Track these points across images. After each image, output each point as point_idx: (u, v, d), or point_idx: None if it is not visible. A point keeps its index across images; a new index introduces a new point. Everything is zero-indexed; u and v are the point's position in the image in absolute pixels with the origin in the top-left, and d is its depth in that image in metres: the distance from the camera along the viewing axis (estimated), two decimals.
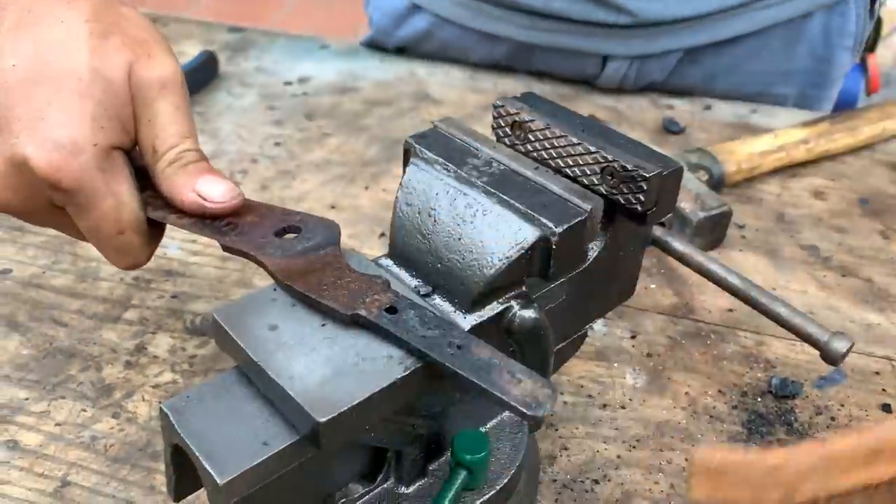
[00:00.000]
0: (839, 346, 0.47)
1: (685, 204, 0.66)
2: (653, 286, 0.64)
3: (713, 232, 0.67)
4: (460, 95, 0.89)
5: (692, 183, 0.68)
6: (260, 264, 0.42)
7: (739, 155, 0.75)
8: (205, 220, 0.45)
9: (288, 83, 0.90)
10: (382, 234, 0.68)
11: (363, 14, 1.01)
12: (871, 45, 1.92)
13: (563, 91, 0.91)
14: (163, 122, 0.44)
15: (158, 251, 0.65)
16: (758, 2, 0.84)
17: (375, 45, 0.98)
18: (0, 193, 0.42)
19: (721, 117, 0.87)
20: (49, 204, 0.43)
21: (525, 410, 0.34)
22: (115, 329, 0.58)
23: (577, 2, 0.82)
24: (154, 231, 0.46)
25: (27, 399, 0.53)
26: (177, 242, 0.66)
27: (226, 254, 0.65)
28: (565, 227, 0.38)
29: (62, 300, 0.61)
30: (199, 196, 0.44)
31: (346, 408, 0.34)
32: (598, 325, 0.60)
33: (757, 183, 0.77)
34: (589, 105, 0.88)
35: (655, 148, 0.46)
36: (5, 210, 0.44)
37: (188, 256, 0.65)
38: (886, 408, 0.55)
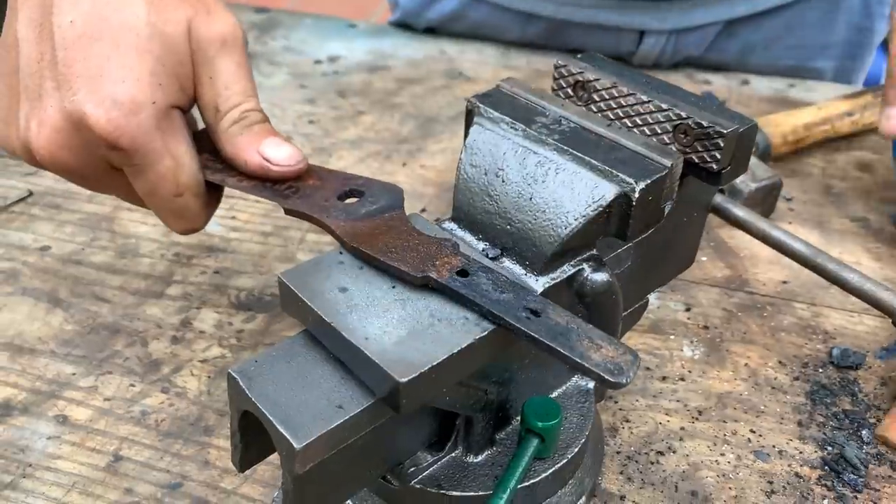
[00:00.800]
0: None
1: None
2: (703, 259, 0.63)
3: (763, 203, 0.65)
4: (493, 73, 0.88)
5: None
6: (325, 227, 0.40)
7: (785, 127, 0.74)
8: (265, 183, 0.43)
9: (318, 62, 0.89)
10: (423, 210, 0.67)
11: (374, 2, 0.99)
12: None
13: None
14: (225, 81, 0.42)
15: None
16: None
17: (404, 26, 0.97)
18: (57, 153, 0.41)
19: (759, 92, 0.85)
20: (106, 165, 0.42)
21: (607, 377, 0.33)
22: (159, 305, 0.57)
23: None
24: (212, 195, 0.45)
25: (74, 374, 0.52)
26: (216, 219, 0.65)
27: (266, 229, 0.64)
28: (647, 182, 0.37)
29: (103, 276, 0.59)
30: (264, 158, 0.42)
31: (426, 368, 0.33)
32: (652, 298, 0.59)
33: (802, 157, 0.75)
34: None
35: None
36: (62, 172, 0.42)
37: (228, 233, 0.64)
38: None
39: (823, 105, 0.77)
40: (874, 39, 0.88)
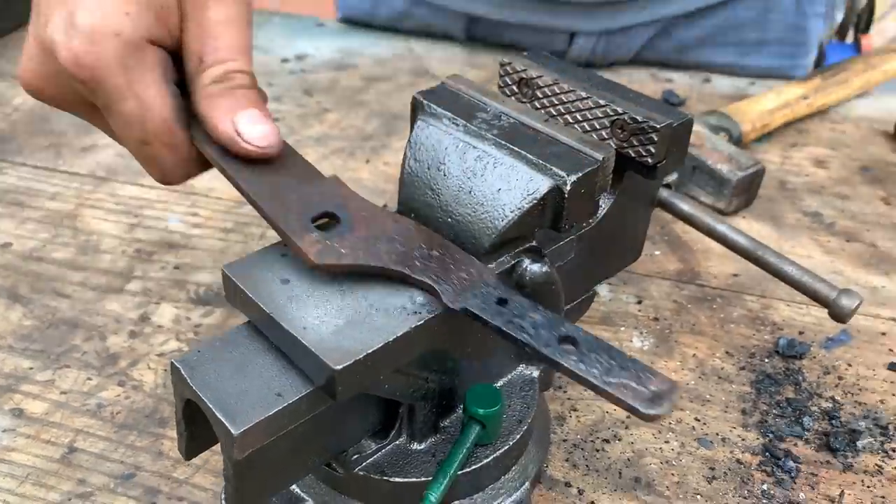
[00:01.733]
0: (848, 302, 0.48)
1: (721, 165, 0.66)
2: (657, 253, 0.64)
3: (748, 190, 0.67)
4: (460, 71, 0.89)
5: (722, 144, 0.68)
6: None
7: (752, 114, 0.76)
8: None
9: (285, 60, 0.90)
10: (385, 206, 0.68)
11: None
12: (865, 26, 1.92)
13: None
14: (215, 30, 0.38)
15: (159, 224, 0.65)
16: None
17: (354, 23, 0.98)
18: (34, 82, 0.40)
19: (720, 89, 0.87)
20: (80, 96, 0.40)
21: (652, 412, 0.30)
22: (119, 300, 0.58)
23: None
24: (197, 154, 0.40)
25: (31, 368, 0.52)
26: (178, 215, 0.66)
27: (227, 226, 0.65)
28: (578, 175, 0.38)
29: (63, 272, 0.60)
30: (235, 129, 0.38)
31: (361, 356, 0.34)
32: (604, 291, 0.60)
33: (759, 153, 0.77)
34: None
35: None
36: (45, 101, 0.41)
37: (189, 229, 0.65)
38: (893, 366, 0.55)
39: (781, 90, 0.79)
40: (809, 38, 0.90)
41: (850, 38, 1.97)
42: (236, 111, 0.38)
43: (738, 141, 0.73)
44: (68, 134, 0.76)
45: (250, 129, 0.38)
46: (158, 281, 0.59)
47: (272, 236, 0.64)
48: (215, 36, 0.38)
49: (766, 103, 0.77)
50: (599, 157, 0.39)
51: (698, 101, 0.84)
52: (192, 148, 0.40)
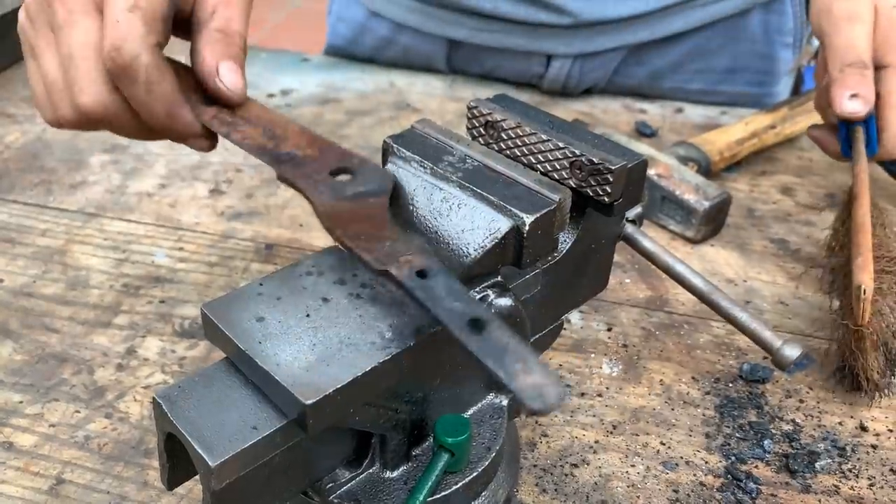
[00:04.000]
0: (790, 353, 0.50)
1: (688, 195, 0.69)
2: (627, 280, 0.66)
3: (716, 219, 0.70)
4: (439, 104, 0.92)
5: (689, 175, 0.71)
6: (309, 200, 0.42)
7: (720, 144, 0.78)
8: (266, 146, 0.44)
9: (271, 95, 0.92)
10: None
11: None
12: None
13: (539, 99, 0.93)
14: None
15: (146, 259, 0.67)
16: (695, 0, 0.87)
17: (341, 54, 1.01)
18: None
19: (692, 119, 0.90)
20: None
21: (529, 403, 0.33)
22: (106, 334, 0.60)
23: (521, 4, 0.86)
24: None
25: (21, 402, 0.54)
26: (164, 250, 0.68)
27: (212, 259, 0.67)
28: (536, 216, 0.41)
29: (53, 308, 0.62)
30: (216, 69, 0.45)
31: (330, 391, 0.36)
32: (575, 318, 0.62)
33: (728, 181, 0.80)
34: (565, 111, 0.91)
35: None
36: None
37: (175, 263, 0.67)
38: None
39: (750, 120, 0.82)
40: (778, 67, 0.94)
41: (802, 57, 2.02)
42: (224, 57, 0.45)
43: (707, 171, 0.76)
44: (59, 171, 0.78)
45: (228, 74, 0.45)
46: (145, 315, 0.62)
47: (255, 269, 0.66)
48: (227, 3, 0.46)
49: (734, 133, 0.80)
50: (556, 198, 0.42)
51: (670, 131, 0.87)
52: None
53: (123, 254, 0.68)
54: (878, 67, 0.66)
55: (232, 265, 0.67)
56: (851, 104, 0.63)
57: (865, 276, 0.54)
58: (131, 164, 0.79)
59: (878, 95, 0.65)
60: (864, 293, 0.53)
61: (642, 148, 0.75)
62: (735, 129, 0.81)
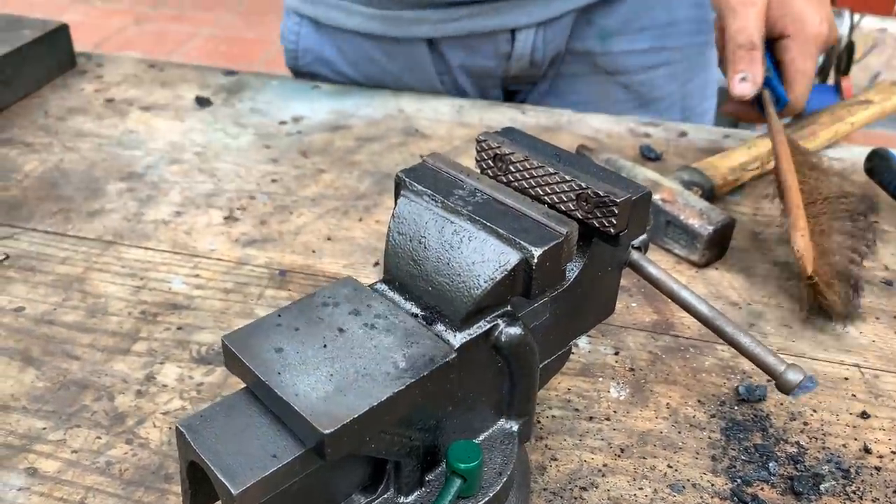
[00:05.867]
0: (793, 377, 0.51)
1: (692, 220, 0.70)
2: (634, 305, 0.68)
3: (720, 243, 0.71)
4: (448, 130, 0.93)
5: (693, 199, 0.72)
6: None
7: (723, 169, 0.80)
8: None
9: (283, 122, 0.94)
10: (376, 263, 0.72)
11: None
12: (844, 69, 1.98)
13: (546, 123, 0.95)
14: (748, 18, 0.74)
15: (163, 286, 0.69)
16: None
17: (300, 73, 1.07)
18: None
19: (695, 143, 0.91)
20: None
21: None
22: (126, 361, 0.61)
23: None
24: None
25: (44, 429, 0.56)
26: (180, 277, 0.70)
27: (228, 286, 0.69)
28: (544, 249, 0.42)
29: (74, 335, 0.64)
30: (733, 78, 0.74)
31: (347, 420, 0.37)
32: (583, 343, 0.64)
33: (731, 205, 0.81)
34: (571, 136, 0.92)
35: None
36: None
37: (192, 290, 0.68)
38: (863, 415, 0.58)
39: (752, 144, 0.83)
40: (711, 13, 0.98)
41: (831, 80, 2.04)
42: (740, 69, 0.74)
43: (710, 195, 0.77)
44: (76, 199, 0.80)
45: (737, 81, 0.75)
46: (163, 342, 0.63)
47: (270, 296, 0.68)
48: (746, 20, 0.74)
49: (737, 158, 0.81)
50: (564, 231, 0.43)
51: (675, 155, 0.89)
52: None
53: (141, 281, 0.69)
54: (780, 38, 0.79)
55: (247, 291, 0.68)
56: (741, 87, 0.76)
57: (797, 234, 0.64)
58: (147, 192, 0.81)
59: (782, 62, 0.80)
60: (798, 252, 0.63)
61: (647, 173, 0.76)
62: (738, 154, 0.82)
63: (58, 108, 0.96)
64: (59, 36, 1.01)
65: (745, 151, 0.82)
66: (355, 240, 0.75)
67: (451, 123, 0.95)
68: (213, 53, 3.19)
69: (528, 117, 0.96)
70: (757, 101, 0.79)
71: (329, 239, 0.75)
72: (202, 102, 0.98)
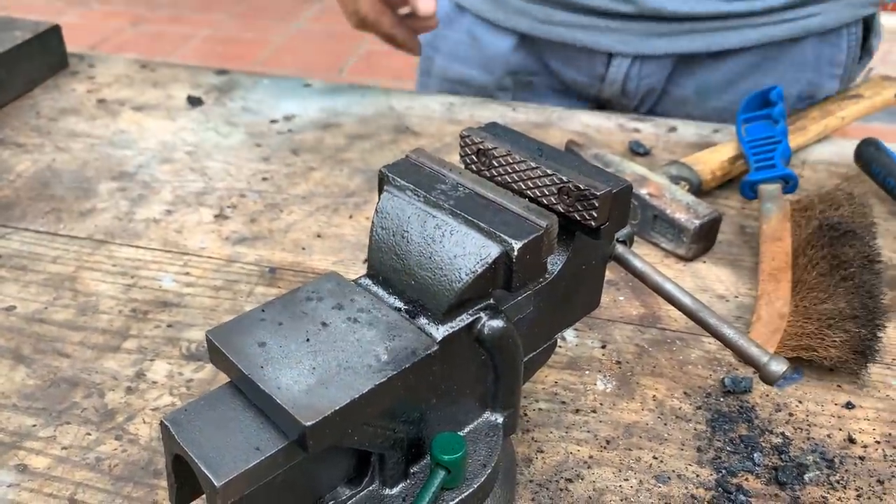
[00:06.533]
0: (776, 368, 0.51)
1: (679, 214, 0.70)
2: (621, 298, 0.68)
3: (707, 237, 0.71)
4: (438, 127, 0.94)
5: (680, 194, 0.73)
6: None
7: (712, 164, 0.80)
8: None
9: (273, 121, 0.95)
10: (366, 260, 0.72)
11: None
12: None
13: (536, 119, 0.95)
14: None
15: (153, 284, 0.69)
16: (753, 16, 0.89)
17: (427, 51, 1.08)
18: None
19: (685, 138, 0.92)
20: None
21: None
22: (116, 358, 0.62)
23: None
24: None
25: (34, 426, 0.56)
26: (171, 275, 0.70)
27: (217, 284, 0.69)
28: (524, 241, 0.42)
29: (64, 333, 0.64)
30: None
31: (329, 413, 0.38)
32: (570, 336, 0.64)
33: (720, 198, 0.81)
34: (561, 132, 0.93)
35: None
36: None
37: (182, 288, 0.69)
38: (848, 406, 0.58)
39: None
40: (819, 95, 0.96)
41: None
42: None
43: (698, 189, 0.77)
44: (68, 199, 0.80)
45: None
46: (153, 339, 0.64)
47: (259, 293, 0.68)
48: None
49: (725, 153, 0.82)
50: (544, 224, 0.43)
51: (664, 150, 0.89)
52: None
53: (132, 279, 0.70)
54: None
55: (237, 289, 0.69)
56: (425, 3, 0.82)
57: (760, 303, 0.64)
58: (138, 192, 0.82)
59: None
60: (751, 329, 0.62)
61: (635, 167, 0.77)
62: (727, 149, 0.82)
63: (50, 109, 0.96)
64: (50, 37, 1.02)
65: (734, 146, 0.83)
66: (345, 237, 0.76)
67: (441, 120, 0.95)
68: (209, 55, 3.19)
69: (518, 114, 0.96)
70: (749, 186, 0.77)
71: (319, 236, 0.76)
72: (194, 102, 0.98)
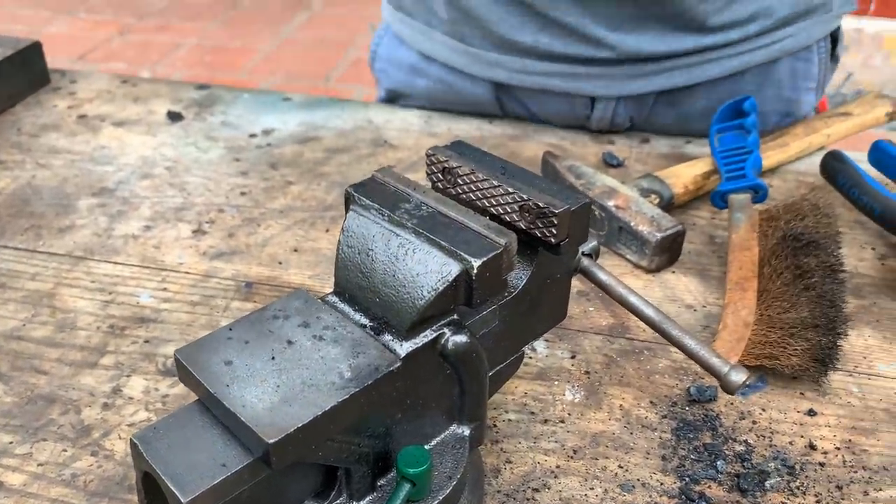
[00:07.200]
0: (736, 378, 0.53)
1: (642, 227, 0.72)
2: (591, 309, 0.69)
3: (670, 250, 0.73)
4: (416, 140, 0.95)
5: (646, 207, 0.74)
6: None
7: (685, 178, 0.82)
8: None
9: (253, 135, 0.96)
10: None
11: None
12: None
13: (512, 132, 0.97)
14: None
15: (131, 300, 0.70)
16: (730, 46, 0.90)
17: (394, 99, 1.07)
18: None
19: (657, 149, 0.93)
20: None
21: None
22: (93, 374, 0.63)
23: (561, 38, 0.89)
24: None
25: (11, 443, 0.57)
26: (148, 291, 0.71)
27: (194, 299, 0.70)
28: (483, 260, 0.44)
29: (42, 350, 0.65)
30: None
31: (292, 430, 0.39)
32: (541, 347, 0.65)
33: (691, 209, 0.83)
34: (537, 144, 0.94)
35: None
36: None
37: (159, 304, 0.70)
38: (810, 413, 0.60)
39: None
40: (800, 109, 0.98)
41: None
42: None
43: (668, 202, 0.79)
44: (47, 215, 0.81)
45: None
46: (130, 355, 0.64)
47: (236, 307, 0.69)
48: None
49: (700, 167, 0.83)
50: (503, 242, 0.45)
51: (636, 161, 0.90)
52: None
53: (110, 295, 0.71)
54: None
55: (213, 304, 0.70)
56: None
57: (726, 311, 0.65)
58: (118, 208, 0.82)
59: None
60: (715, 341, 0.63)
61: (606, 180, 0.78)
62: (702, 163, 0.83)
63: (31, 125, 0.97)
64: (31, 53, 1.02)
65: (709, 161, 0.84)
66: (321, 251, 0.77)
67: (419, 133, 0.96)
68: (197, 64, 3.20)
69: (494, 126, 0.98)
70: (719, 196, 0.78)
71: (295, 250, 0.77)
72: (174, 117, 0.99)
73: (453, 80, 0.99)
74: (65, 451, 0.56)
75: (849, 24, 2.51)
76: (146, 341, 0.66)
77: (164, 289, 0.71)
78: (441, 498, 0.47)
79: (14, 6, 3.68)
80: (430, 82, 1.02)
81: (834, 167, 0.80)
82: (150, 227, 0.80)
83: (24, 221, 0.80)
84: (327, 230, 0.80)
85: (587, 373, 0.63)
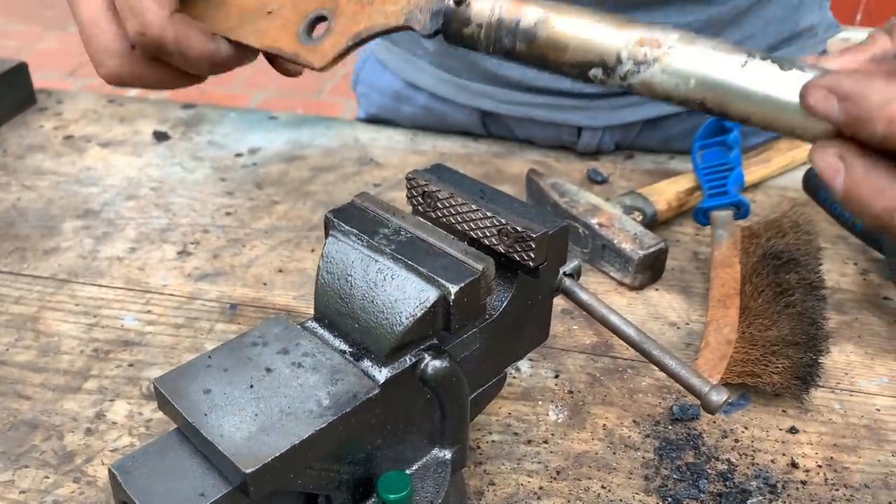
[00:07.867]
0: (716, 398, 0.53)
1: (625, 245, 0.72)
2: (575, 327, 0.70)
3: (653, 267, 0.73)
4: (401, 158, 0.95)
5: (629, 224, 0.74)
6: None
7: (669, 195, 0.82)
8: None
9: (239, 154, 0.96)
10: None
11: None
12: None
13: (497, 150, 0.97)
14: None
15: (115, 323, 0.70)
16: None
17: (378, 121, 1.06)
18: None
19: (641, 165, 0.94)
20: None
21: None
22: (76, 399, 0.63)
23: (547, 72, 0.88)
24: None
25: None
26: (133, 314, 0.71)
27: (178, 321, 0.70)
28: (460, 285, 0.44)
29: (25, 375, 0.65)
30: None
31: (269, 459, 0.39)
32: (525, 367, 0.65)
33: (675, 226, 0.83)
34: (521, 161, 0.94)
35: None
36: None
37: (144, 326, 0.70)
38: (792, 430, 0.60)
39: None
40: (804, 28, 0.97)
41: None
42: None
43: (651, 220, 0.79)
44: (32, 238, 0.81)
45: None
46: (113, 379, 0.64)
47: (220, 330, 0.69)
48: None
49: (683, 184, 0.84)
50: (480, 267, 0.45)
51: (620, 178, 0.91)
52: None
53: (94, 318, 0.71)
54: None
55: (197, 326, 0.70)
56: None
57: (708, 329, 0.66)
58: (102, 230, 0.82)
59: None
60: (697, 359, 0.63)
61: (590, 198, 0.78)
62: (685, 180, 0.84)
63: (17, 147, 0.97)
64: (17, 74, 1.03)
65: (692, 177, 0.84)
66: (306, 271, 0.77)
67: (405, 151, 0.97)
68: None
69: (480, 144, 0.98)
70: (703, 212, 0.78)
71: (280, 271, 0.77)
72: (160, 137, 0.99)
73: (439, 107, 1.00)
74: (46, 477, 0.56)
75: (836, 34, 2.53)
76: (130, 365, 0.66)
77: (149, 311, 0.71)
78: None
79: (5, 22, 3.68)
80: (415, 109, 1.02)
81: (816, 182, 0.80)
82: (134, 249, 0.80)
83: (9, 244, 0.80)
84: (312, 250, 0.80)
85: (571, 392, 0.63)
